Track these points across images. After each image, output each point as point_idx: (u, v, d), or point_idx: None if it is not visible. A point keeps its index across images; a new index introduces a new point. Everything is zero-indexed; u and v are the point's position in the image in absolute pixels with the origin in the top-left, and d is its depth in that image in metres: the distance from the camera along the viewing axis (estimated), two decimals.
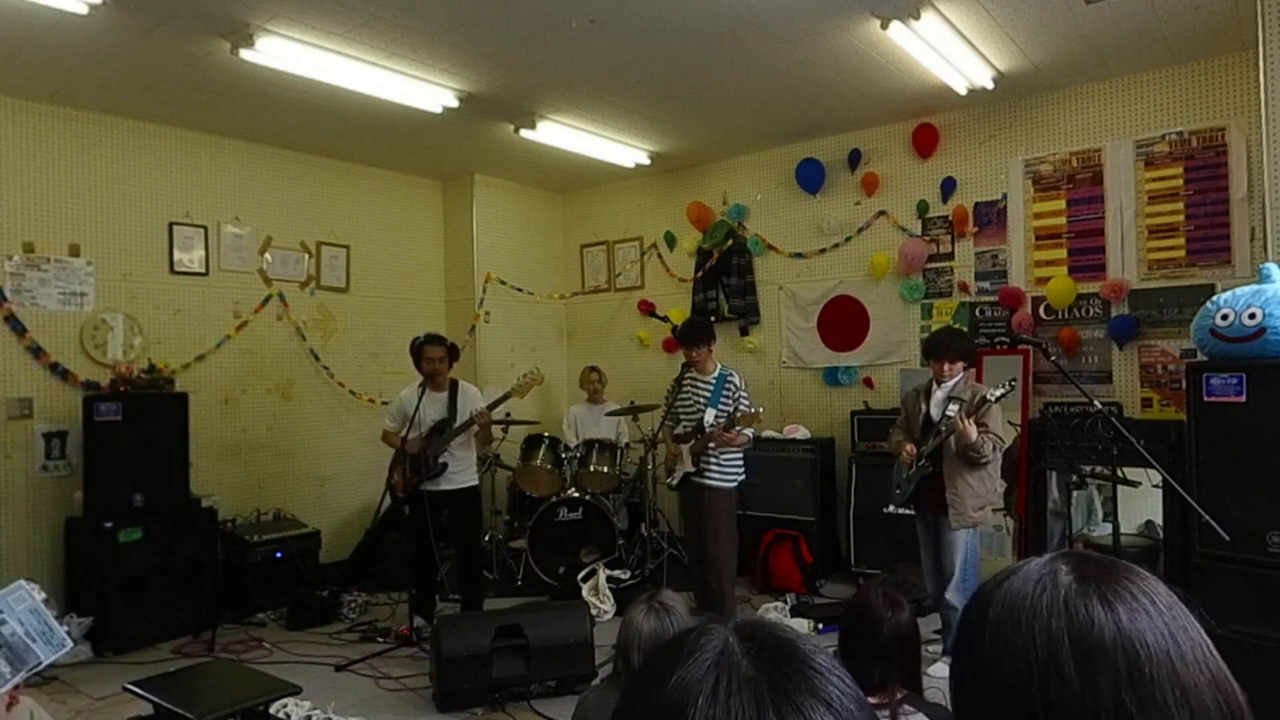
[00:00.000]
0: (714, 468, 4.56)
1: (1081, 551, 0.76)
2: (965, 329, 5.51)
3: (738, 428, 4.44)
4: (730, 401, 4.55)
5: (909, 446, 4.12)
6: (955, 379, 4.11)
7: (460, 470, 4.76)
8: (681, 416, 4.72)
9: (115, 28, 4.00)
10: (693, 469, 4.57)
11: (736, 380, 4.64)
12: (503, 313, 7.21)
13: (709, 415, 4.52)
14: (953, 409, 3.99)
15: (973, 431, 3.83)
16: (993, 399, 3.85)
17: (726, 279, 6.73)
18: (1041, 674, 0.66)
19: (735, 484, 4.64)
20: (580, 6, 3.94)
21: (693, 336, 4.66)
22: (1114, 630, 0.66)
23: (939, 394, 4.13)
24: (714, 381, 4.62)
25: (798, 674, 0.58)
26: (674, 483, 4.70)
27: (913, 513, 4.25)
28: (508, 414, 5.95)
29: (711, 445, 4.50)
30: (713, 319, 6.24)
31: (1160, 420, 4.79)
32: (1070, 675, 0.65)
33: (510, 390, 4.81)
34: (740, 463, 4.67)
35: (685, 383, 4.72)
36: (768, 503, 5.71)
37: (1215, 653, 0.68)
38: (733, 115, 5.67)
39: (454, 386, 4.81)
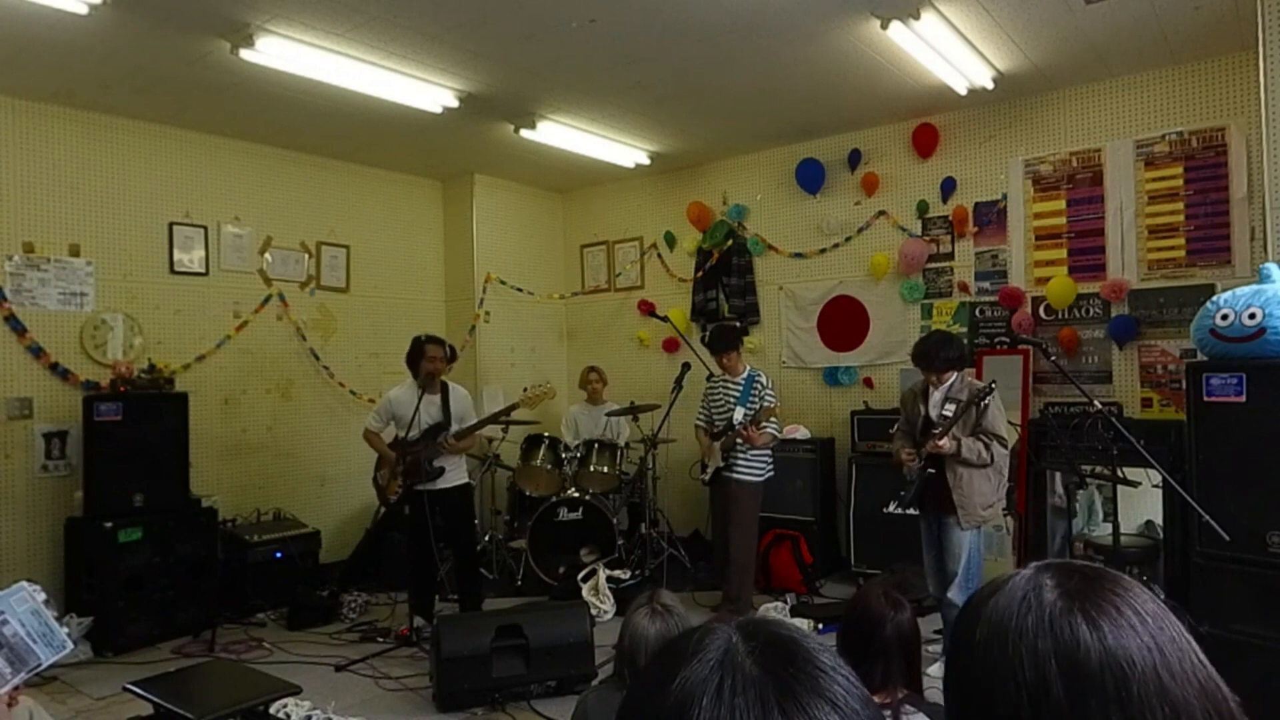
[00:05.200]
0: (741, 462, 4.85)
1: (1067, 562, 0.76)
2: (963, 329, 5.51)
3: (760, 422, 4.71)
4: (757, 400, 4.85)
5: (906, 453, 4.12)
6: (949, 380, 4.12)
7: (451, 469, 4.75)
8: (715, 416, 5.02)
9: (115, 28, 4.00)
10: (723, 464, 4.88)
11: (764, 380, 4.95)
12: (503, 313, 7.21)
13: (738, 414, 4.82)
14: (949, 409, 4.00)
15: (948, 445, 3.89)
16: (978, 399, 3.87)
17: (726, 279, 6.73)
18: (1031, 696, 0.67)
19: (761, 479, 4.92)
20: (580, 6, 3.94)
21: (723, 343, 4.99)
22: (1100, 650, 0.66)
23: (936, 395, 4.12)
24: (744, 382, 4.93)
25: (802, 673, 0.58)
26: (706, 478, 5.01)
27: (915, 512, 4.25)
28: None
29: (739, 441, 4.75)
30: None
31: (1160, 420, 4.79)
32: (1059, 697, 0.66)
33: (518, 401, 4.74)
34: (767, 459, 4.97)
35: (717, 384, 5.06)
36: (768, 503, 5.66)
37: (1204, 660, 0.68)
38: (733, 115, 5.67)
39: (445, 389, 4.78)
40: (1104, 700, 0.65)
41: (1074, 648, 0.67)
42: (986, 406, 3.93)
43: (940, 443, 3.89)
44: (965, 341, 5.53)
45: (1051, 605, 0.70)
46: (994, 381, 3.97)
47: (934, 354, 4.08)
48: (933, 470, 4.02)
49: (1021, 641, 0.69)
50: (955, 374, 4.12)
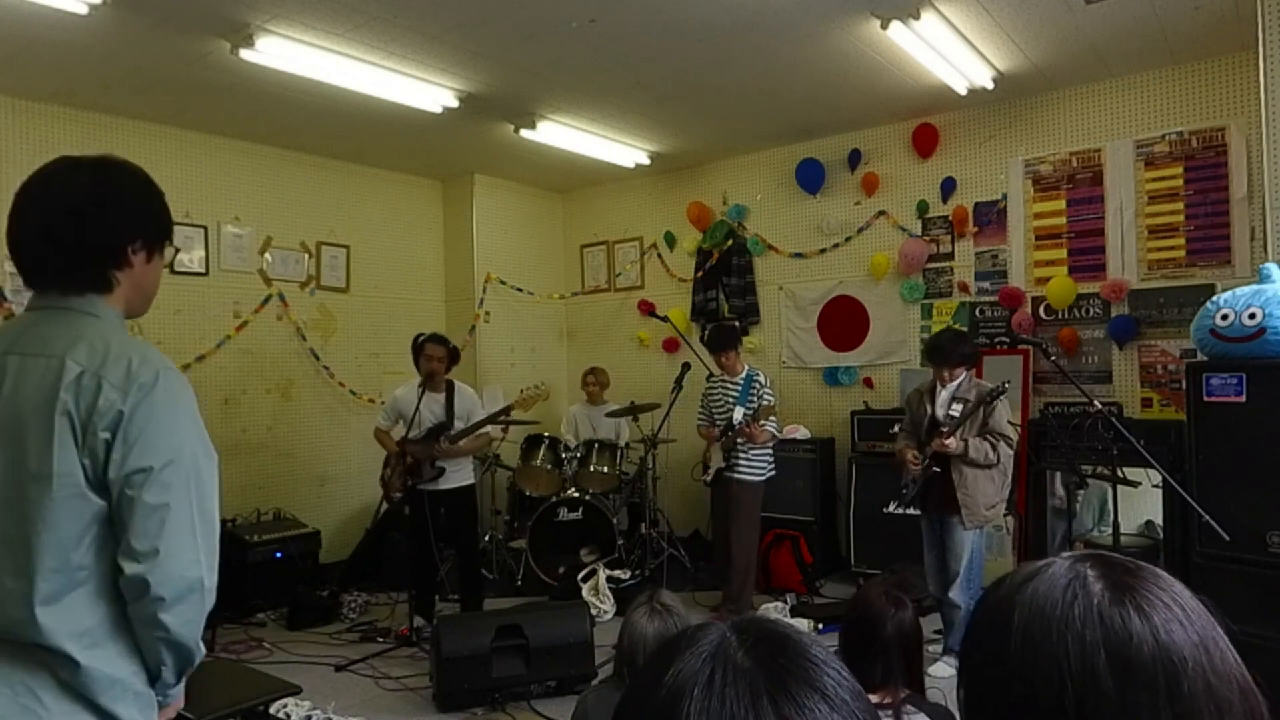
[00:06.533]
0: (742, 462, 4.85)
1: (1103, 553, 0.73)
2: (965, 329, 5.51)
3: (760, 421, 4.72)
4: (756, 399, 4.84)
5: (911, 455, 4.11)
6: (958, 380, 4.13)
7: (456, 470, 4.75)
8: (715, 416, 5.02)
9: (115, 28, 4.00)
10: (724, 464, 4.89)
11: (763, 379, 4.97)
12: (503, 313, 7.21)
13: (737, 413, 4.83)
14: (956, 409, 4.00)
15: (955, 445, 3.89)
16: (990, 398, 3.87)
17: (726, 279, 6.73)
18: (1076, 688, 0.64)
19: (762, 478, 4.93)
20: (580, 6, 3.94)
21: (721, 342, 5.00)
22: (1152, 643, 0.64)
23: (944, 394, 4.13)
24: (743, 382, 4.94)
25: (793, 664, 0.59)
26: (708, 479, 5.02)
27: (916, 511, 4.25)
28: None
29: (740, 441, 4.79)
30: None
31: (1160, 420, 4.79)
32: (1108, 690, 0.63)
33: (512, 403, 4.75)
34: (768, 458, 4.96)
35: (716, 385, 5.04)
36: (768, 502, 5.66)
37: (1240, 660, 0.66)
38: (733, 115, 5.67)
39: (450, 388, 4.80)
40: (1154, 696, 0.62)
41: (1126, 640, 0.64)
42: (995, 408, 3.93)
43: (947, 442, 3.89)
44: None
45: (1100, 596, 0.67)
46: (1007, 381, 3.95)
47: (949, 348, 4.11)
48: (938, 469, 4.03)
49: (1068, 630, 0.66)
50: (964, 373, 4.13)
